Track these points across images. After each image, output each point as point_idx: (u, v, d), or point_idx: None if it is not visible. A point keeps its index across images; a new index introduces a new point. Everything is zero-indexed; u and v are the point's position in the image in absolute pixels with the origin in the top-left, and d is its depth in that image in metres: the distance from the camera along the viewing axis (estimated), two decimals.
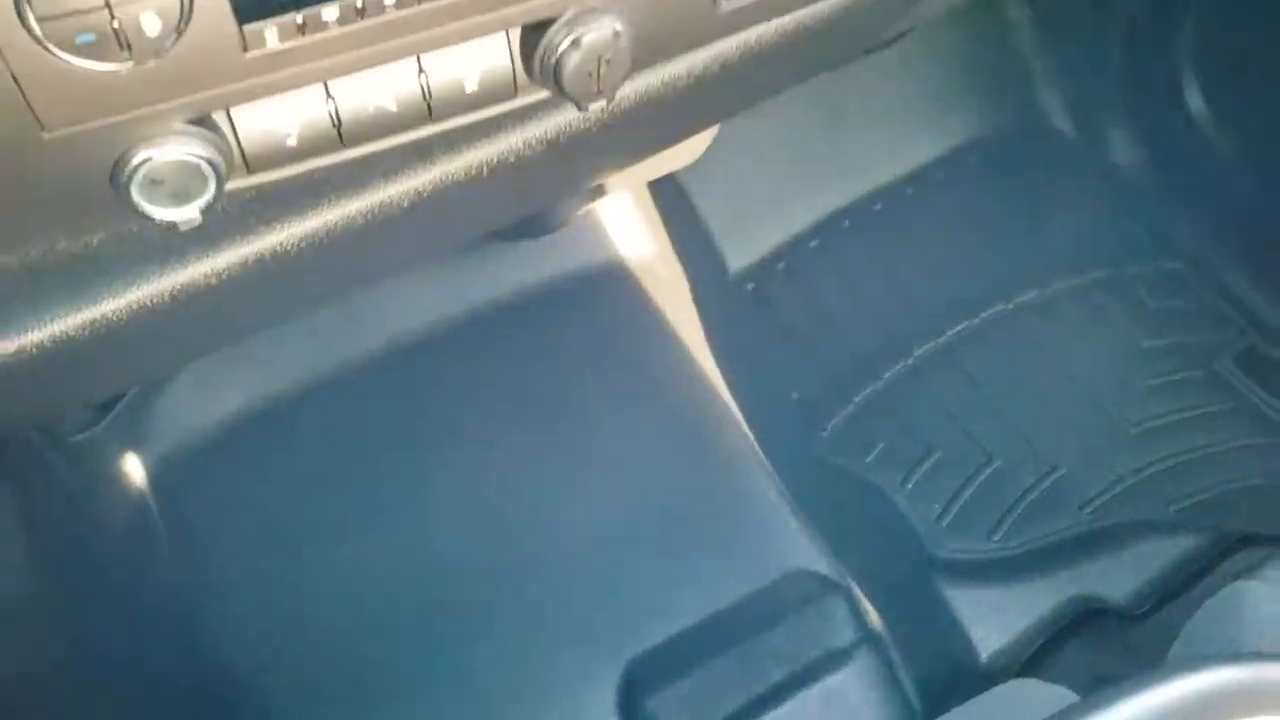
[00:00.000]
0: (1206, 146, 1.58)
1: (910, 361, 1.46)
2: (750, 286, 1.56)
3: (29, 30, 0.44)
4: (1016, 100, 1.71)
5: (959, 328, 1.49)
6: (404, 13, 0.50)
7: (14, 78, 0.45)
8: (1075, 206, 1.63)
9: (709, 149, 1.19)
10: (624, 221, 1.41)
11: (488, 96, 0.57)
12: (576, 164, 0.78)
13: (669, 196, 1.47)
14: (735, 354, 1.42)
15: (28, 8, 0.43)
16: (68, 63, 0.45)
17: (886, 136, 1.66)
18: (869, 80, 1.62)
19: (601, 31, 0.56)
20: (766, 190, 1.60)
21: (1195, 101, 1.57)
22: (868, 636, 1.21)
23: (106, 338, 0.58)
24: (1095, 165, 1.67)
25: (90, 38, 0.45)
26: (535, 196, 0.88)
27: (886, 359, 1.48)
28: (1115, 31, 1.64)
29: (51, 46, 0.44)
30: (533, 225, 1.32)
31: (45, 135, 0.47)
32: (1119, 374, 1.47)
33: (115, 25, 0.44)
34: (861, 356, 1.49)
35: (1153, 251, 1.58)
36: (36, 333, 0.56)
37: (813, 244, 1.59)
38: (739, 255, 1.57)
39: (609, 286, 1.38)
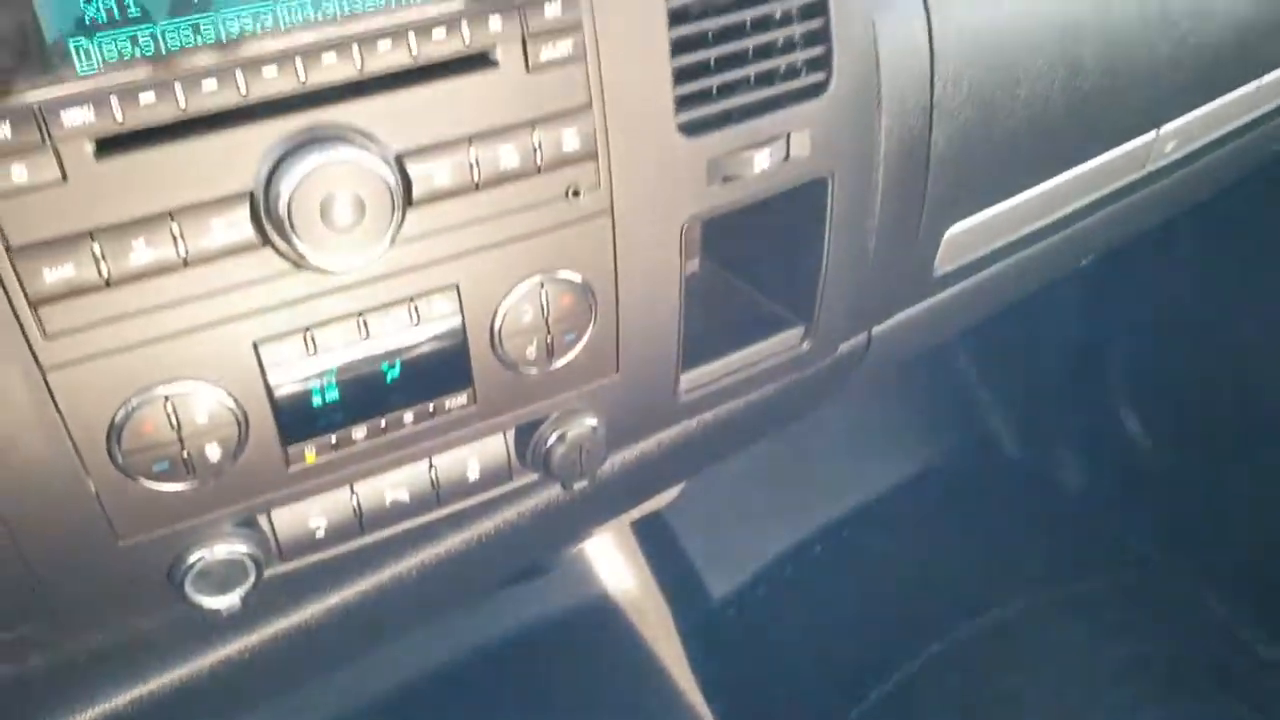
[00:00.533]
0: (1149, 466, 1.69)
1: (889, 686, 1.50)
2: (732, 612, 1.62)
3: (114, 461, 0.53)
4: (968, 428, 1.84)
5: (933, 648, 1.54)
6: (420, 426, 0.61)
7: (98, 498, 0.54)
8: (1030, 526, 1.72)
9: (685, 486, 1.29)
10: (609, 560, 1.49)
11: (487, 482, 0.67)
12: (565, 528, 0.87)
13: (651, 533, 1.56)
14: (721, 683, 1.46)
15: (116, 445, 0.53)
16: (144, 486, 0.54)
17: (850, 466, 1.77)
18: (831, 413, 1.74)
19: (582, 428, 0.66)
20: (742, 520, 1.69)
21: (1133, 425, 1.69)
22: None
23: (149, 712, 0.65)
24: (1046, 486, 1.78)
25: (164, 465, 0.54)
26: (528, 556, 0.97)
27: (868, 681, 1.51)
28: (1052, 366, 1.79)
29: (135, 475, 0.54)
30: (524, 569, 1.39)
31: (120, 544, 0.56)
32: (1093, 689, 1.49)
33: (185, 455, 0.54)
34: (844, 680, 1.52)
35: (1109, 566, 1.65)
36: (90, 711, 0.63)
37: (788, 571, 1.66)
38: (720, 583, 1.64)
39: (597, 624, 1.44)
